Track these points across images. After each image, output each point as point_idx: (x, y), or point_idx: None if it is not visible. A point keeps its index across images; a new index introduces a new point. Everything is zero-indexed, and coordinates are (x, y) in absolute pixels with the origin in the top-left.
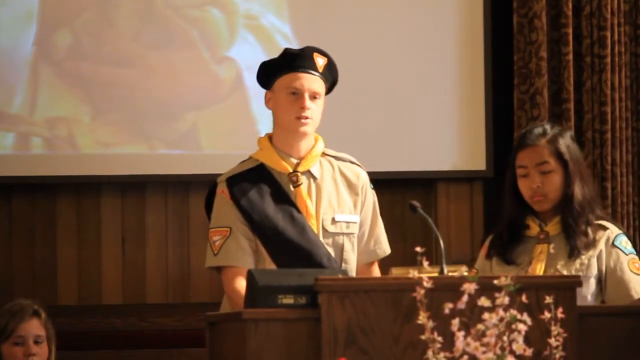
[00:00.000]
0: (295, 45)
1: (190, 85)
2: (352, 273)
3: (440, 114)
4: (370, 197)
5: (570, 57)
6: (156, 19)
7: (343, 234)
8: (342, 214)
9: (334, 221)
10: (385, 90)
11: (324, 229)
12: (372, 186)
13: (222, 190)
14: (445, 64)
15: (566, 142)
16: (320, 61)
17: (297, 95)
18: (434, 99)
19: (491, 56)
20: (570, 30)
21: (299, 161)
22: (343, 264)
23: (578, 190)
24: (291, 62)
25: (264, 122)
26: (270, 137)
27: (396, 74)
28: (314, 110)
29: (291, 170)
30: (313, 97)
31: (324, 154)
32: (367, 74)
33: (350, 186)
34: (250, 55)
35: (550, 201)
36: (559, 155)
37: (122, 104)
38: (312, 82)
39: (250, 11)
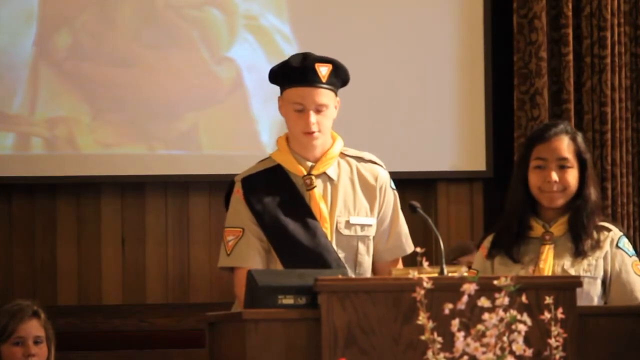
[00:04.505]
0: (295, 45)
1: (190, 86)
2: (367, 275)
3: (440, 114)
4: (391, 196)
5: (571, 57)
6: (156, 19)
7: (357, 236)
8: (357, 216)
9: (348, 224)
10: (385, 90)
11: (338, 232)
12: (393, 185)
13: (237, 190)
14: (445, 64)
15: (584, 142)
16: (323, 70)
17: (302, 111)
18: (434, 99)
19: (491, 56)
20: (570, 31)
21: (314, 164)
22: (357, 267)
23: (593, 191)
24: (294, 76)
25: (264, 122)
26: (287, 137)
27: (396, 74)
28: (322, 122)
29: (305, 173)
30: (319, 110)
31: (343, 155)
32: (366, 74)
33: (368, 188)
34: (250, 56)
35: (566, 196)
36: (578, 154)
37: (122, 104)
38: (316, 95)
39: (250, 11)
